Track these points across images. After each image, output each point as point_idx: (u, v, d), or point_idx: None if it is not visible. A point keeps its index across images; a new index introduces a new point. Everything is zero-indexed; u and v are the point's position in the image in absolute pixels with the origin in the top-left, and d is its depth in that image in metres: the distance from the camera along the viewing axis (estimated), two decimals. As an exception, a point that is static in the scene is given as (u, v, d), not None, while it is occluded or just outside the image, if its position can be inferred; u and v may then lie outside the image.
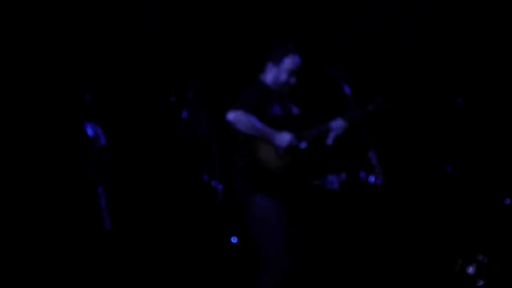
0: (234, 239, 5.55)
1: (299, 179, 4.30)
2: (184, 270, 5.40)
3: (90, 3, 5.75)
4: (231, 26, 6.20)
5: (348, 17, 6.37)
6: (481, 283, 4.74)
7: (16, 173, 5.15)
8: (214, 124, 5.62)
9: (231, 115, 4.18)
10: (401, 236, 5.57)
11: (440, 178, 5.75)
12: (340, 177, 4.67)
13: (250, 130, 4.19)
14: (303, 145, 4.27)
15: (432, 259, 5.32)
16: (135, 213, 5.60)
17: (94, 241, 5.12)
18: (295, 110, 4.49)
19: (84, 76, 5.60)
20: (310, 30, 6.20)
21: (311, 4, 6.27)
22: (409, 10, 6.27)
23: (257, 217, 4.21)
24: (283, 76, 4.37)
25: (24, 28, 5.39)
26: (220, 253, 5.52)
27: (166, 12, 6.11)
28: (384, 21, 6.34)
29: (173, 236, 5.60)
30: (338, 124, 4.31)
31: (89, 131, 5.42)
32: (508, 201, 5.54)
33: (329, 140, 4.33)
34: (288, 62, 4.35)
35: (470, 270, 4.84)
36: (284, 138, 4.22)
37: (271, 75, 4.40)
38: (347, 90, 4.31)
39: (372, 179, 5.34)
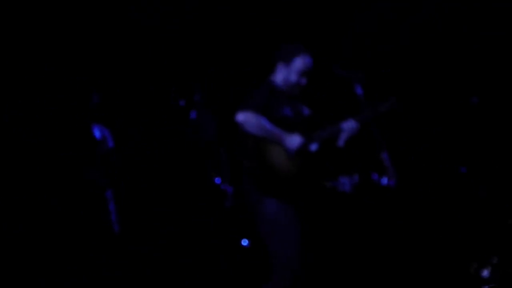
0: (244, 242, 5.50)
1: (309, 181, 4.21)
2: (195, 273, 5.38)
3: (90, 3, 5.68)
4: (231, 26, 6.15)
5: (348, 17, 6.34)
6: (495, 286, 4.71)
7: (21, 176, 5.10)
8: (222, 126, 5.57)
9: (241, 116, 4.10)
10: (415, 239, 5.54)
11: (455, 179, 5.72)
12: (353, 179, 4.60)
13: (260, 132, 4.10)
14: (314, 146, 4.18)
15: (446, 262, 5.29)
16: (144, 216, 5.55)
17: (102, 243, 5.07)
18: (305, 111, 4.40)
19: (84, 76, 5.54)
20: (310, 30, 6.16)
21: (311, 4, 6.23)
22: (409, 10, 6.25)
23: (266, 218, 4.13)
24: (294, 77, 4.29)
25: (24, 28, 5.33)
26: (231, 255, 5.48)
27: (166, 12, 6.05)
28: (384, 21, 6.31)
29: (182, 239, 5.55)
30: (349, 125, 4.21)
31: (97, 133, 5.35)
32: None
33: (341, 142, 4.24)
34: (299, 63, 4.29)
35: (485, 273, 4.81)
36: (294, 140, 4.13)
37: (281, 75, 4.33)
38: (358, 90, 4.22)
39: (385, 180, 5.28)
